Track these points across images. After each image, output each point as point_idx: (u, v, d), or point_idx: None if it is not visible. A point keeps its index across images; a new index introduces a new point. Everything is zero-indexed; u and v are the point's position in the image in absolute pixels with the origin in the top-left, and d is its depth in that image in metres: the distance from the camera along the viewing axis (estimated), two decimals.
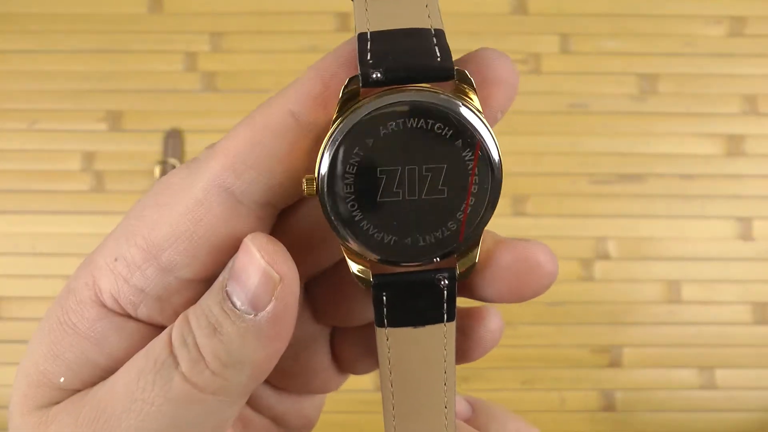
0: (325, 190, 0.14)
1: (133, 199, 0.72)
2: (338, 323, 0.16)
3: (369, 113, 0.14)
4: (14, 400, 0.15)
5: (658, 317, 0.75)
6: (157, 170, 0.76)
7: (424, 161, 0.14)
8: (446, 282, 0.15)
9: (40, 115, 0.77)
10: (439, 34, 0.16)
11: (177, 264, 0.14)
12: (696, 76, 0.77)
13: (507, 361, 0.74)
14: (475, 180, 0.15)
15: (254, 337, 0.13)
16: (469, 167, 0.15)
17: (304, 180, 0.14)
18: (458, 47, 0.70)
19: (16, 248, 0.76)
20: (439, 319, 0.15)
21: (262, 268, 0.13)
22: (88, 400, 0.14)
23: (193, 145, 0.76)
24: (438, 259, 0.15)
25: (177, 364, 0.13)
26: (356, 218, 0.14)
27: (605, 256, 0.76)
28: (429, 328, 0.15)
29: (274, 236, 0.14)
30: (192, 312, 0.13)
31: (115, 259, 0.14)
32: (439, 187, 0.14)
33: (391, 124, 0.14)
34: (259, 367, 0.13)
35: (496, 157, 0.15)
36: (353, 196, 0.14)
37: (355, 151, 0.14)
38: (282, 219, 0.15)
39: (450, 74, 0.15)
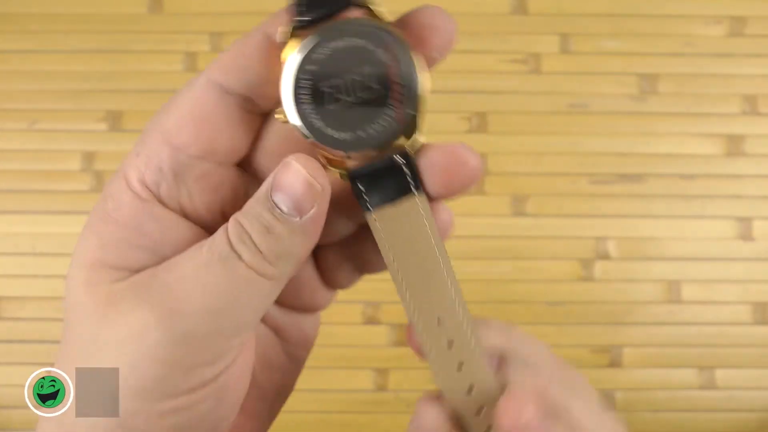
0: (295, 115, 0.18)
1: None
2: (320, 241, 0.19)
3: (310, 45, 0.18)
4: (75, 288, 0.18)
5: (658, 317, 0.75)
6: None
7: (355, 70, 0.18)
8: (403, 160, 0.18)
9: (40, 115, 0.77)
10: None
11: (185, 143, 0.18)
12: (696, 76, 0.78)
13: None
14: (397, 73, 0.18)
15: (300, 234, 0.17)
16: (390, 65, 0.18)
17: (275, 113, 0.18)
18: (458, 47, 0.70)
19: (16, 248, 0.76)
20: (407, 190, 0.19)
21: (307, 180, 0.16)
22: (155, 283, 0.17)
23: None
24: (391, 144, 0.18)
25: (239, 256, 0.16)
26: (320, 126, 0.18)
27: (605, 256, 0.76)
28: (404, 203, 0.19)
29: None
30: (242, 216, 0.17)
31: (137, 154, 0.18)
32: (374, 87, 0.18)
33: (326, 48, 0.18)
34: (302, 258, 0.17)
35: (406, 54, 0.19)
36: (315, 113, 0.18)
37: (305, 77, 0.18)
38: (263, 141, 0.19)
39: (356, 3, 0.18)
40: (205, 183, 0.18)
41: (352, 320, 0.75)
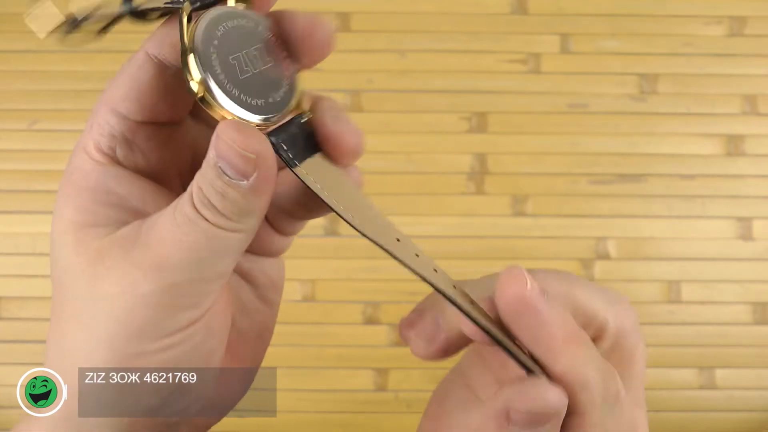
0: (211, 90, 0.19)
1: None
2: None
3: (205, 25, 0.19)
4: (63, 250, 0.20)
5: (658, 317, 0.75)
6: None
7: (250, 45, 0.20)
8: (305, 119, 0.21)
9: (40, 115, 0.77)
10: None
11: (130, 111, 0.20)
12: (696, 76, 0.78)
13: None
14: (281, 49, 0.20)
15: (251, 194, 0.18)
16: (272, 41, 0.21)
17: (188, 89, 0.19)
18: (458, 47, 0.70)
19: (16, 248, 0.76)
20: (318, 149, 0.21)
21: (238, 153, 0.18)
22: (138, 242, 0.19)
23: None
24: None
25: (204, 217, 0.19)
26: (237, 95, 0.19)
27: (605, 256, 0.76)
28: (319, 155, 0.21)
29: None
30: (201, 181, 0.19)
31: (91, 126, 0.20)
32: (267, 59, 0.20)
33: (220, 29, 0.19)
34: (261, 210, 0.19)
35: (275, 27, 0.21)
36: (230, 84, 0.19)
37: (211, 53, 0.19)
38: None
39: None
40: (153, 142, 0.21)
41: (352, 320, 0.75)
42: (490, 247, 0.75)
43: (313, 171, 0.20)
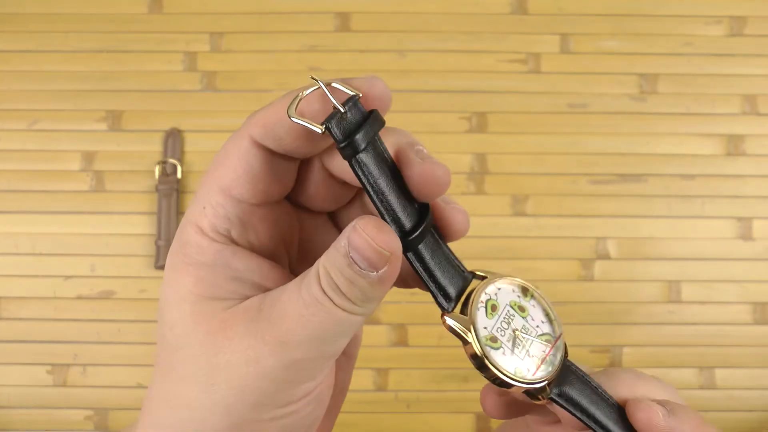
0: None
1: (133, 199, 0.72)
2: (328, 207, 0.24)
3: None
4: (182, 319, 0.20)
5: (658, 317, 0.75)
6: (156, 170, 0.76)
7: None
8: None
9: (40, 115, 0.77)
10: None
11: (244, 196, 0.21)
12: (696, 76, 0.78)
13: None
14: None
15: (378, 284, 0.20)
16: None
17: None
18: (458, 47, 0.70)
19: (16, 248, 0.76)
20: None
21: (374, 249, 0.19)
22: (262, 317, 0.20)
23: (192, 144, 0.76)
24: None
25: (331, 300, 0.19)
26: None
27: (605, 256, 0.76)
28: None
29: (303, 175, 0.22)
30: (329, 266, 0.20)
31: (204, 207, 0.21)
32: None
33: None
34: (382, 299, 0.20)
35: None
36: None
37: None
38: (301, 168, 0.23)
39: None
40: (266, 222, 0.22)
41: None
42: (490, 246, 0.75)
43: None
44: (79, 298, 0.75)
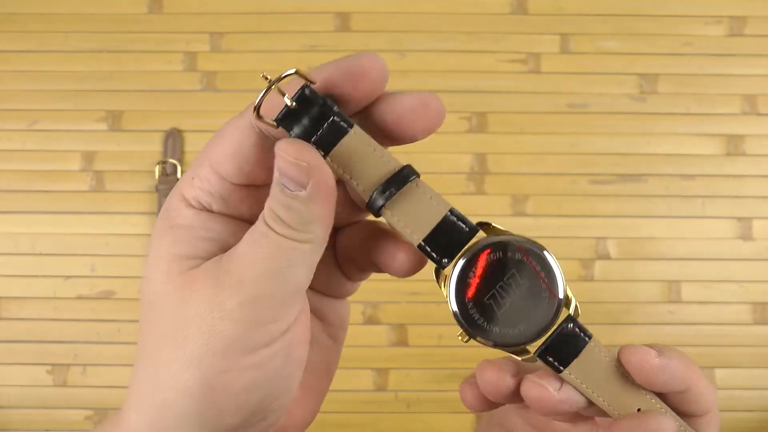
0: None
1: (133, 199, 0.72)
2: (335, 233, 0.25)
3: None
4: (156, 278, 0.21)
5: (658, 317, 0.75)
6: (157, 170, 0.76)
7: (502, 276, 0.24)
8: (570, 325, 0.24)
9: (40, 115, 0.77)
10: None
11: (229, 174, 0.22)
12: (696, 76, 0.78)
13: None
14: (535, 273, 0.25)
15: (312, 202, 0.20)
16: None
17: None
18: (458, 47, 0.70)
19: (16, 248, 0.76)
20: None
21: (292, 162, 0.20)
22: (220, 264, 0.21)
23: (193, 144, 0.76)
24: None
25: (274, 231, 0.21)
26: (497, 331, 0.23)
27: (605, 256, 0.76)
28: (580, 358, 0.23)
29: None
30: (270, 200, 0.21)
31: (193, 178, 0.22)
32: (520, 284, 0.24)
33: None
34: (325, 220, 0.21)
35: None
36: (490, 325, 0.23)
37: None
38: None
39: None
40: (247, 202, 0.23)
41: (352, 320, 0.75)
42: None
43: (577, 371, 0.23)
44: (79, 298, 0.75)
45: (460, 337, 0.23)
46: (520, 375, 0.23)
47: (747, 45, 0.78)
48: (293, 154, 0.20)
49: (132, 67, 0.77)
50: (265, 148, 0.22)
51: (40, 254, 0.76)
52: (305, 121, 0.21)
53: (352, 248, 0.25)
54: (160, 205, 0.75)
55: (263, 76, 0.21)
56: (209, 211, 0.22)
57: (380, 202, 0.21)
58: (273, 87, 0.21)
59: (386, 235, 0.24)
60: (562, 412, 0.23)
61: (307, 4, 0.78)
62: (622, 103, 0.77)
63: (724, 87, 0.77)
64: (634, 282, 0.76)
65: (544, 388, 0.22)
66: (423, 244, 0.22)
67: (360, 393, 0.75)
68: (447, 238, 0.22)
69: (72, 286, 0.75)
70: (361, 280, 0.27)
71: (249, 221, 0.23)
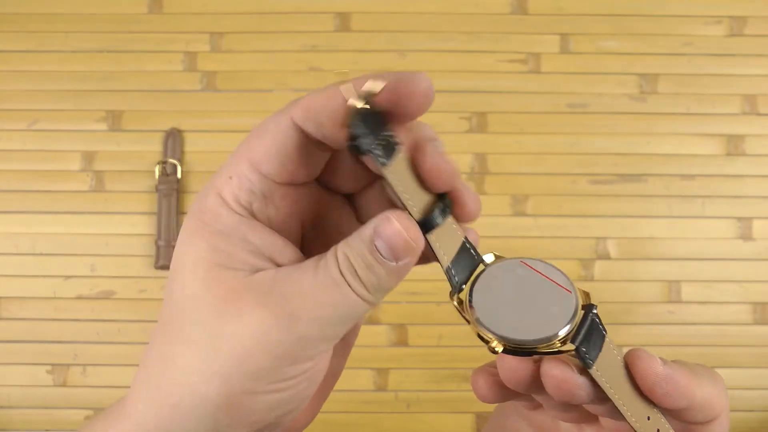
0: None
1: (133, 199, 0.72)
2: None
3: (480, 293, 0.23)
4: (192, 282, 0.21)
5: (658, 317, 0.75)
6: (157, 170, 0.76)
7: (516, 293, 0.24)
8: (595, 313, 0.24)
9: (40, 115, 0.77)
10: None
11: (272, 173, 0.21)
12: (696, 76, 0.78)
13: None
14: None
15: (395, 275, 0.21)
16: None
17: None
18: (458, 47, 0.70)
19: (16, 248, 0.76)
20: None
21: (405, 240, 0.20)
22: (275, 290, 0.21)
23: (192, 144, 0.76)
24: None
25: (348, 283, 0.20)
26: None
27: (605, 256, 0.76)
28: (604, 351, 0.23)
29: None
30: (349, 251, 0.21)
31: (230, 177, 0.21)
32: (535, 296, 0.24)
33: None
34: (392, 289, 0.21)
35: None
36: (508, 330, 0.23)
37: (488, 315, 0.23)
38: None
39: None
40: (287, 200, 0.22)
41: None
42: (490, 246, 0.75)
43: (600, 367, 0.23)
44: (79, 298, 0.75)
45: (496, 350, 0.23)
46: (539, 361, 0.23)
47: (747, 45, 0.78)
48: (408, 230, 0.21)
49: (132, 67, 0.77)
50: (307, 147, 0.22)
51: (40, 254, 0.76)
52: (369, 138, 0.20)
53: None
54: (160, 205, 0.75)
55: (342, 83, 0.21)
56: (248, 213, 0.22)
57: (437, 220, 0.22)
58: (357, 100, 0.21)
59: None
60: (578, 400, 0.22)
61: (307, 4, 0.78)
62: (622, 103, 0.77)
63: (724, 87, 0.77)
64: (634, 282, 0.76)
65: (568, 367, 0.22)
66: (450, 267, 0.22)
67: (360, 393, 0.75)
68: (463, 264, 0.23)
69: (72, 286, 0.75)
70: None
71: (286, 228, 0.23)
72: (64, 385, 0.75)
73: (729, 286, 0.75)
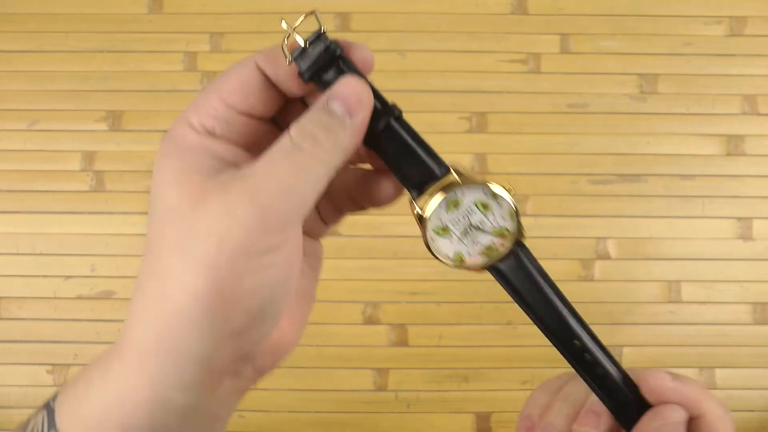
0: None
1: (133, 199, 0.72)
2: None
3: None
4: (166, 195, 0.23)
5: (658, 317, 0.75)
6: None
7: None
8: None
9: (40, 115, 0.77)
10: None
11: (235, 104, 0.24)
12: (696, 76, 0.78)
13: (507, 361, 0.74)
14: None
15: (350, 131, 0.24)
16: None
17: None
18: (458, 47, 0.70)
19: (17, 248, 0.76)
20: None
21: (353, 93, 0.24)
22: (236, 177, 0.23)
23: None
24: None
25: (301, 149, 0.23)
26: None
27: (605, 256, 0.76)
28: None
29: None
30: (305, 120, 0.23)
31: (197, 106, 0.24)
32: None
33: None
34: (347, 153, 0.24)
35: None
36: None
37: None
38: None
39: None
40: (246, 130, 0.25)
41: (352, 320, 0.75)
42: None
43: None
44: (79, 298, 0.75)
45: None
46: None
47: (747, 45, 0.78)
48: (357, 88, 0.24)
49: (132, 67, 0.77)
50: (267, 87, 0.25)
51: (40, 254, 0.76)
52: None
53: (336, 191, 0.28)
54: None
55: (282, 22, 0.25)
56: (210, 136, 0.24)
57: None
58: (293, 31, 0.25)
59: (370, 174, 0.28)
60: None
61: (307, 4, 0.78)
62: (622, 103, 0.77)
63: (724, 87, 0.77)
64: (634, 282, 0.76)
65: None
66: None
67: (360, 393, 0.75)
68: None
69: (72, 286, 0.75)
70: (334, 223, 0.30)
71: (247, 151, 0.25)
72: (64, 385, 0.75)
73: (729, 286, 0.75)
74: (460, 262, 0.26)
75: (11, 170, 0.77)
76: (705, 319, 0.75)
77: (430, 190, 0.26)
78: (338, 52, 0.25)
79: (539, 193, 0.76)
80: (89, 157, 0.77)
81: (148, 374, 0.23)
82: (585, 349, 0.27)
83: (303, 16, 0.26)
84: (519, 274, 0.27)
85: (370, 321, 0.75)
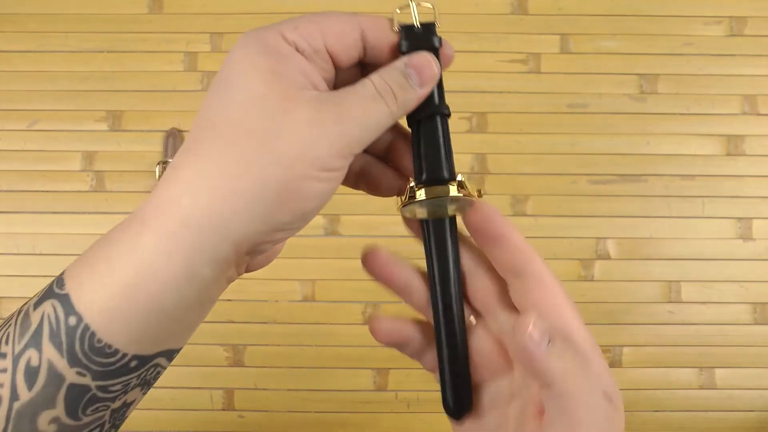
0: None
1: (133, 199, 0.72)
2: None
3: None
4: (256, 81, 0.24)
5: (658, 317, 0.75)
6: (157, 170, 0.76)
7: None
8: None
9: (40, 115, 0.77)
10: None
11: (330, 41, 0.27)
12: (696, 76, 0.78)
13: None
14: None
15: (416, 97, 0.28)
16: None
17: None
18: (458, 47, 0.71)
19: (17, 248, 0.76)
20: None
21: (428, 66, 0.28)
22: (329, 101, 0.25)
23: None
24: None
25: (383, 98, 0.26)
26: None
27: (605, 256, 0.76)
28: None
29: None
30: (386, 76, 0.27)
31: (296, 27, 0.26)
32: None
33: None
34: (407, 112, 0.28)
35: None
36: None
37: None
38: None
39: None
40: (325, 66, 0.27)
41: (352, 320, 0.75)
42: None
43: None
44: None
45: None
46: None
47: (747, 45, 0.78)
48: (433, 65, 0.28)
49: (132, 67, 0.77)
50: (355, 47, 0.27)
51: (40, 254, 0.76)
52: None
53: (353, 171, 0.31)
54: None
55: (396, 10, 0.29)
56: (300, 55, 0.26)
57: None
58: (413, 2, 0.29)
59: (379, 162, 0.31)
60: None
61: (307, 4, 0.78)
62: (622, 103, 0.77)
63: (724, 87, 0.77)
64: (634, 282, 0.76)
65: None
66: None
67: (360, 393, 0.75)
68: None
69: None
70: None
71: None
72: (66, 273, 0.75)
73: (729, 286, 0.75)
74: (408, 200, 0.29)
75: (11, 170, 0.77)
76: (705, 319, 0.75)
77: (428, 190, 0.29)
78: (439, 44, 0.30)
79: (539, 193, 0.76)
80: (89, 157, 0.77)
81: (185, 244, 0.23)
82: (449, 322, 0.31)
83: (414, 2, 0.30)
84: (439, 237, 0.30)
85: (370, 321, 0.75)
